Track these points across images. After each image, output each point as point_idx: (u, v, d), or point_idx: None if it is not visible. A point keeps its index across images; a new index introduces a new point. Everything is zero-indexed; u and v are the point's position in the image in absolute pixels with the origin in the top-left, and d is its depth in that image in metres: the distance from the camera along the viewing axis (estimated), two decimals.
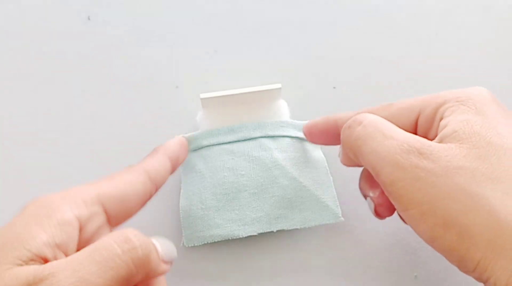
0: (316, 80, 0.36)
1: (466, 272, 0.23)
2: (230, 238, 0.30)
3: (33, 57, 0.37)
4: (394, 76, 0.36)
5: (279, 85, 0.32)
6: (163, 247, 0.23)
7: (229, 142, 0.32)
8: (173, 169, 0.28)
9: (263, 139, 0.32)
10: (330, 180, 0.32)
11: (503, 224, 0.21)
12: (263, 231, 0.30)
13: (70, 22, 0.38)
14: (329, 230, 0.31)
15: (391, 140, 0.25)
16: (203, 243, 0.30)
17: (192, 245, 0.30)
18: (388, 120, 0.27)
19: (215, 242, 0.30)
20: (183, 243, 0.30)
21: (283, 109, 0.33)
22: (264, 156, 0.31)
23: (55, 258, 0.21)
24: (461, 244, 0.22)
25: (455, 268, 0.23)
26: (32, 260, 0.20)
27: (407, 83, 0.36)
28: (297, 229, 0.30)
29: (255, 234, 0.30)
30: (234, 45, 0.38)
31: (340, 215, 0.30)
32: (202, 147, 0.32)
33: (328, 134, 0.30)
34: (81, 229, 0.22)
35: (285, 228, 0.30)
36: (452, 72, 0.37)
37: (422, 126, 0.26)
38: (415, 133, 0.26)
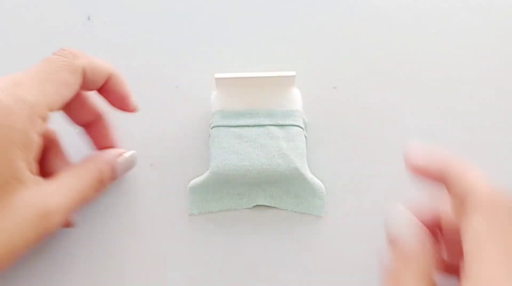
0: (316, 80, 0.36)
1: None
2: (228, 210, 0.32)
3: (33, 57, 0.37)
4: (394, 76, 0.36)
5: (293, 73, 0.33)
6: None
7: (238, 126, 0.32)
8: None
9: (272, 127, 0.32)
10: None
11: None
12: (256, 204, 0.32)
13: (70, 22, 0.38)
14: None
15: None
16: (203, 212, 0.32)
17: (196, 213, 0.32)
18: None
19: (217, 212, 0.33)
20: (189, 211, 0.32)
21: (296, 97, 0.34)
22: (270, 144, 0.32)
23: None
24: None
25: None
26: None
27: (407, 83, 0.36)
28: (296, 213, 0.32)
29: (250, 207, 0.32)
30: (234, 46, 0.38)
31: (324, 212, 0.32)
32: (212, 127, 0.33)
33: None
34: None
35: (277, 206, 0.32)
36: (452, 72, 0.37)
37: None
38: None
